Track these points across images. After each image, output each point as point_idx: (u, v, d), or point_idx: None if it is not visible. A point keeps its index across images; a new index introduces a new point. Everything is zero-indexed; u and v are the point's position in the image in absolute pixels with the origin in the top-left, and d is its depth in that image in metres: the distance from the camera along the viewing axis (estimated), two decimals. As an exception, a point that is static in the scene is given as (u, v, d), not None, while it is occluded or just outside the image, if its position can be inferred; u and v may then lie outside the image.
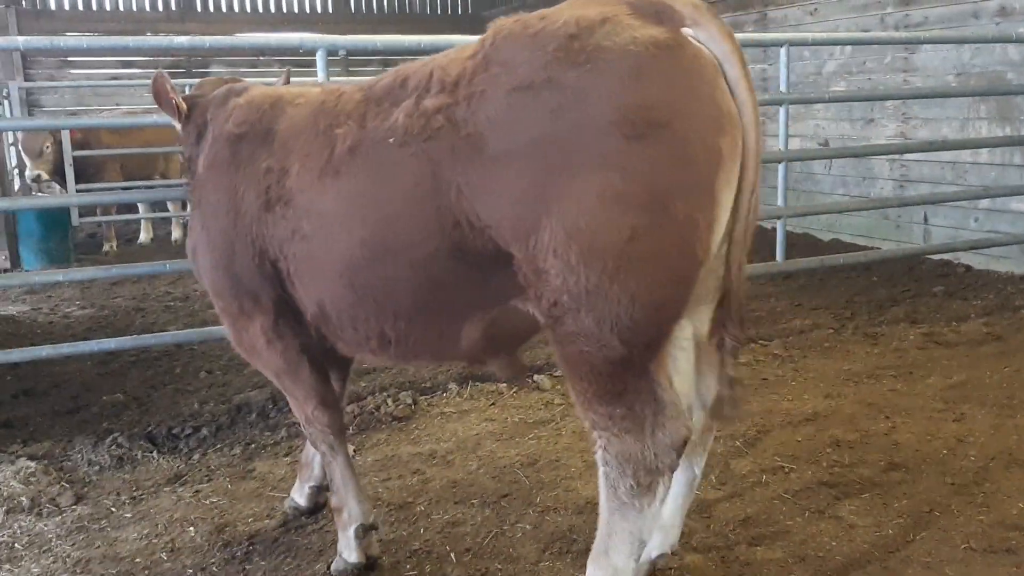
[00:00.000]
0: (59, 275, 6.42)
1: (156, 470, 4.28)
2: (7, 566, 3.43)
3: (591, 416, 2.48)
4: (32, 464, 4.21)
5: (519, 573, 3.19)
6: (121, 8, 15.49)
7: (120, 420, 4.90)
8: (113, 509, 3.89)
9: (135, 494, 4.03)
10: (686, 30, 2.33)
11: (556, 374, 5.22)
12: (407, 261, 2.61)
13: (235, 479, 4.14)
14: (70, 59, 14.95)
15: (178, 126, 3.36)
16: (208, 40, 4.93)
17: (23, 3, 14.86)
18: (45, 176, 10.17)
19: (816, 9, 9.33)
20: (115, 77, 14.86)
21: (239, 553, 3.46)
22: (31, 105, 14.28)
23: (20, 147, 10.36)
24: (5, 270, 9.21)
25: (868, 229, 8.73)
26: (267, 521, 3.71)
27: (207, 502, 3.91)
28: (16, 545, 3.59)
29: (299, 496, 3.73)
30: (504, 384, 5.07)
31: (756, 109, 2.37)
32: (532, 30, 2.39)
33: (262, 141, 3.02)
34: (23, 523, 3.76)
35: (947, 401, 4.62)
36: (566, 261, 2.30)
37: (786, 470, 3.87)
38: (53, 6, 15.18)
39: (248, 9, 16.26)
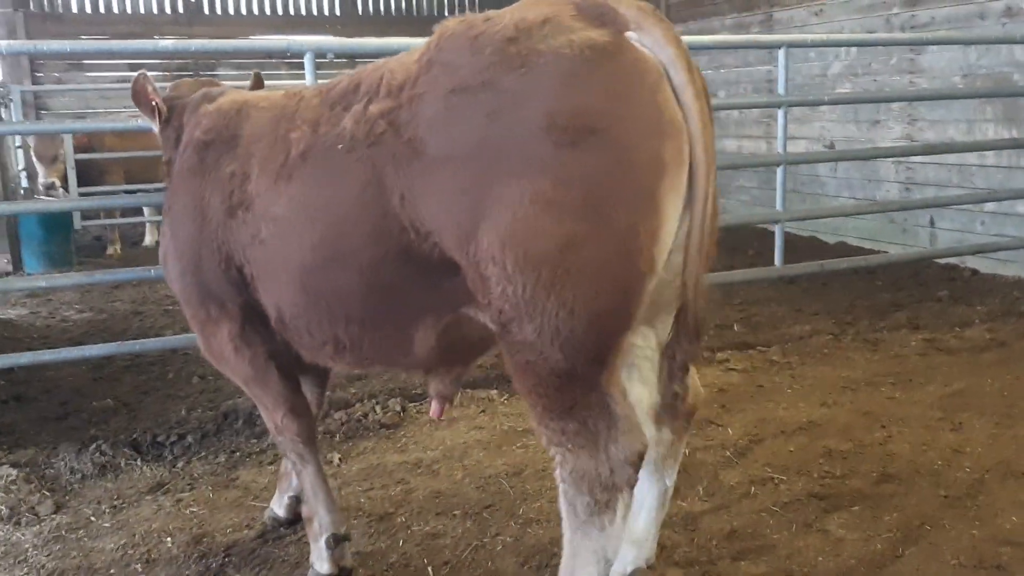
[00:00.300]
0: (59, 279, 6.42)
1: (139, 478, 4.23)
2: (-20, 577, 3.40)
3: (545, 431, 2.40)
4: (14, 472, 4.16)
5: (496, 588, 3.13)
6: (129, 11, 15.49)
7: (107, 427, 4.85)
8: (92, 518, 3.84)
9: (116, 503, 3.98)
10: (630, 34, 2.26)
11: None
12: (356, 267, 2.57)
13: (218, 488, 4.09)
14: (78, 62, 14.97)
15: (156, 128, 3.31)
16: (193, 44, 4.88)
17: (31, 6, 14.90)
18: (59, 183, 10.16)
19: (821, 10, 9.22)
20: (123, 80, 14.85)
21: (214, 565, 3.41)
22: (39, 108, 14.32)
23: (32, 153, 10.36)
24: (7, 273, 9.20)
25: (874, 233, 8.62)
26: (246, 531, 3.65)
27: (187, 512, 3.86)
28: (-8, 555, 3.55)
29: (278, 507, 3.68)
30: (495, 391, 5.00)
31: (705, 115, 2.27)
32: (474, 32, 2.34)
33: (227, 147, 2.99)
34: (0, 532, 3.72)
35: (946, 410, 4.52)
36: (503, 269, 2.24)
37: (776, 481, 3.79)
38: (61, 9, 15.19)
39: (256, 12, 16.26)
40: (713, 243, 2.52)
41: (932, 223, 8.13)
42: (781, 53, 5.77)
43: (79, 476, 4.24)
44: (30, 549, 3.59)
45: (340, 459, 4.31)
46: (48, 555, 3.54)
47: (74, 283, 7.00)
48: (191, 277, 3.08)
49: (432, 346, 2.66)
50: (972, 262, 7.61)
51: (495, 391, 5.00)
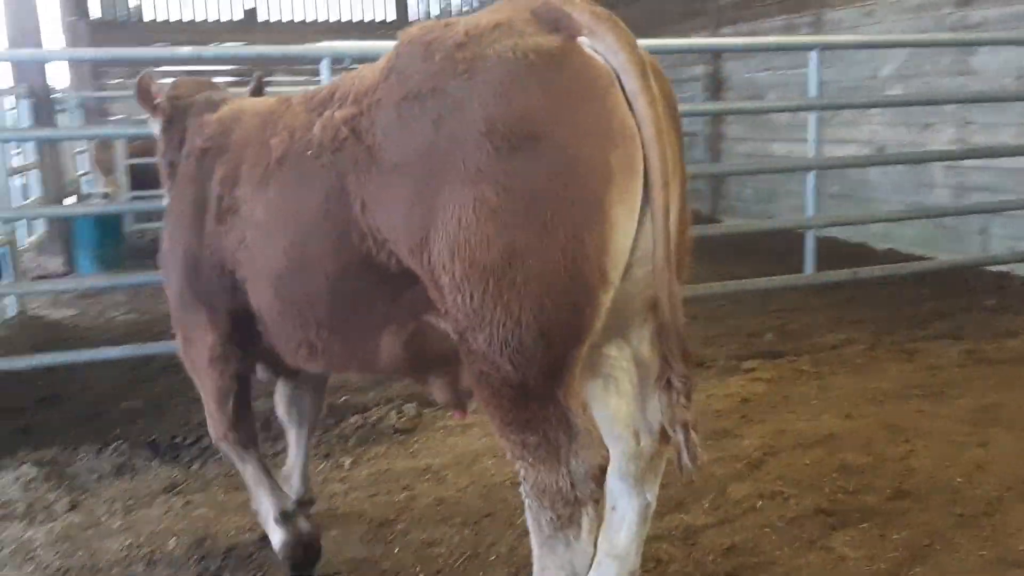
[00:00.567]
0: (104, 280, 6.58)
1: (154, 479, 4.30)
2: (-13, 573, 3.48)
3: (506, 444, 2.35)
4: (34, 470, 4.27)
5: (484, 598, 3.10)
6: (189, 18, 15.88)
7: (133, 427, 4.94)
8: (104, 518, 3.91)
9: (129, 503, 4.05)
10: (582, 39, 2.22)
11: (568, 388, 5.09)
12: (322, 273, 2.59)
13: (229, 490, 4.13)
14: (137, 68, 15.35)
15: (157, 129, 3.35)
16: (212, 50, 4.96)
17: (94, 15, 15.36)
18: (113, 192, 10.42)
19: (873, 11, 8.99)
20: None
21: (212, 567, 3.44)
22: (102, 114, 14.74)
23: (94, 161, 10.65)
24: (62, 274, 9.48)
25: (924, 239, 8.36)
26: (248, 535, 3.68)
27: (195, 513, 3.91)
28: (2, 551, 3.63)
29: (279, 511, 3.70)
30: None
31: (659, 122, 2.18)
32: (428, 38, 2.32)
33: (220, 153, 3.05)
34: (14, 530, 3.80)
35: (975, 424, 4.35)
36: (453, 278, 2.21)
37: (785, 496, 3.68)
38: (123, 17, 15.63)
39: (310, 19, 16.51)
40: (683, 253, 2.47)
41: (984, 230, 7.85)
42: (814, 55, 5.63)
43: (96, 476, 4.32)
44: (40, 547, 3.66)
45: (351, 464, 4.33)
46: (56, 553, 3.60)
47: (112, 284, 7.17)
48: (187, 282, 3.12)
49: (400, 353, 2.65)
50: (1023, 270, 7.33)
51: (512, 398, 4.95)
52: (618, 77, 2.19)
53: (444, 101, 2.21)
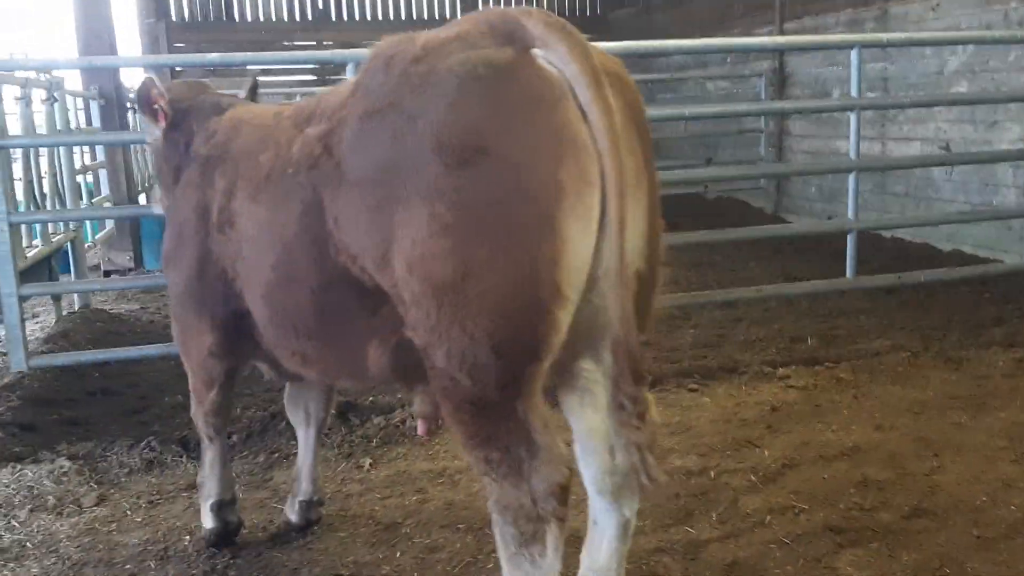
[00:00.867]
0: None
1: (182, 475, 4.41)
2: (12, 564, 3.61)
3: (471, 460, 2.37)
4: (68, 464, 4.42)
5: (474, 607, 3.10)
6: (261, 19, 16.21)
7: (171, 423, 5.07)
8: (128, 512, 4.03)
9: (153, 498, 4.16)
10: (536, 51, 2.20)
11: (595, 393, 5.05)
12: (306, 287, 2.66)
13: (250, 488, 4.21)
14: (213, 70, 15.76)
15: (158, 132, 3.44)
16: (239, 56, 5.05)
17: (173, 17, 15.80)
18: None
19: (938, 5, 8.67)
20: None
21: (219, 566, 3.51)
22: (177, 113, 15.14)
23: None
24: (130, 270, 9.80)
25: (991, 240, 8.04)
26: (260, 534, 3.75)
27: (214, 510, 3.99)
28: (28, 544, 3.76)
29: (290, 511, 3.76)
30: (538, 401, 4.94)
31: (615, 134, 2.15)
32: (391, 52, 2.35)
33: (221, 162, 3.12)
34: (42, 522, 3.95)
35: (1012, 439, 4.18)
36: (411, 294, 2.24)
37: (796, 511, 3.59)
38: (199, 19, 16.04)
39: (380, 17, 16.69)
40: (656, 263, 2.44)
41: (1052, 232, 7.52)
42: (854, 54, 5.45)
43: (127, 470, 4.45)
44: (64, 540, 3.79)
45: (371, 464, 4.37)
46: (77, 547, 3.72)
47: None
48: (190, 283, 3.22)
49: (387, 365, 2.66)
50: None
51: (538, 401, 4.94)
52: (571, 88, 2.17)
53: (400, 117, 2.24)
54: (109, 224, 10.14)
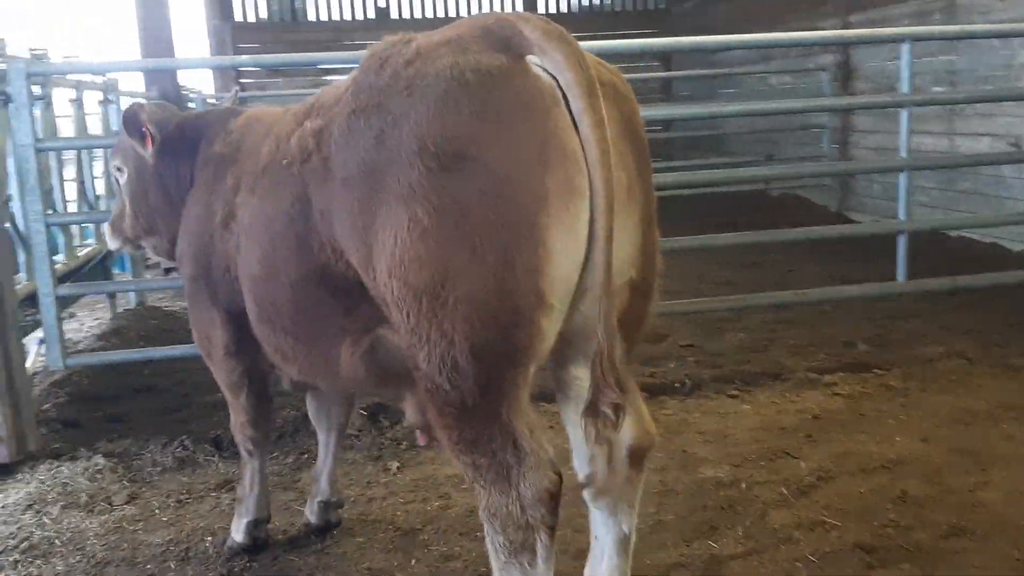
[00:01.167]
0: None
1: (212, 474, 4.43)
2: (39, 561, 3.66)
3: (460, 467, 2.34)
4: (103, 461, 4.48)
5: (484, 619, 3.03)
6: (323, 18, 16.37)
7: (207, 422, 5.11)
8: (156, 511, 4.06)
9: (182, 498, 4.19)
10: (531, 57, 2.17)
11: (631, 397, 4.94)
12: (287, 280, 2.67)
13: (277, 489, 4.20)
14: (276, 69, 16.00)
15: (147, 153, 3.46)
16: (268, 58, 5.06)
17: (237, 18, 16.05)
18: None
19: (1009, -6, 8.29)
20: (316, 84, 15.73)
21: (236, 569, 3.51)
22: (240, 113, 15.40)
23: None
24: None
25: (1064, 241, 7.67)
26: (279, 537, 3.74)
27: (239, 511, 4.00)
28: (56, 541, 3.81)
29: (309, 512, 3.75)
30: (571, 406, 4.85)
31: (605, 144, 2.10)
32: (387, 53, 2.33)
33: (230, 160, 3.17)
34: (73, 519, 4.00)
35: (1067, 454, 3.95)
36: (392, 296, 2.23)
37: (827, 527, 3.43)
38: (263, 19, 16.26)
39: (441, 15, 16.71)
40: (652, 276, 2.41)
41: None
42: (904, 48, 5.22)
43: (159, 469, 4.50)
44: (91, 538, 3.83)
45: (398, 467, 4.33)
46: (103, 545, 3.76)
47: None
48: (201, 282, 3.25)
49: (359, 367, 2.66)
50: None
51: (571, 406, 4.84)
52: (564, 96, 2.14)
53: (386, 118, 2.23)
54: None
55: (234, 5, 15.90)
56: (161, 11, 9.94)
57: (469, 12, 16.72)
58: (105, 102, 7.33)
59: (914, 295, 6.43)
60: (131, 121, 3.37)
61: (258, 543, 3.60)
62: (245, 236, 2.89)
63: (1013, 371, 5.10)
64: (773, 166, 11.51)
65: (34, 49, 5.93)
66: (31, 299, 4.88)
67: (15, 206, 4.70)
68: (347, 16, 16.39)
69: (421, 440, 2.98)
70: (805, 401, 4.81)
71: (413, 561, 3.44)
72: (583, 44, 5.60)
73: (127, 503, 4.15)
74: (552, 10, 17.27)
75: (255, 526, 3.59)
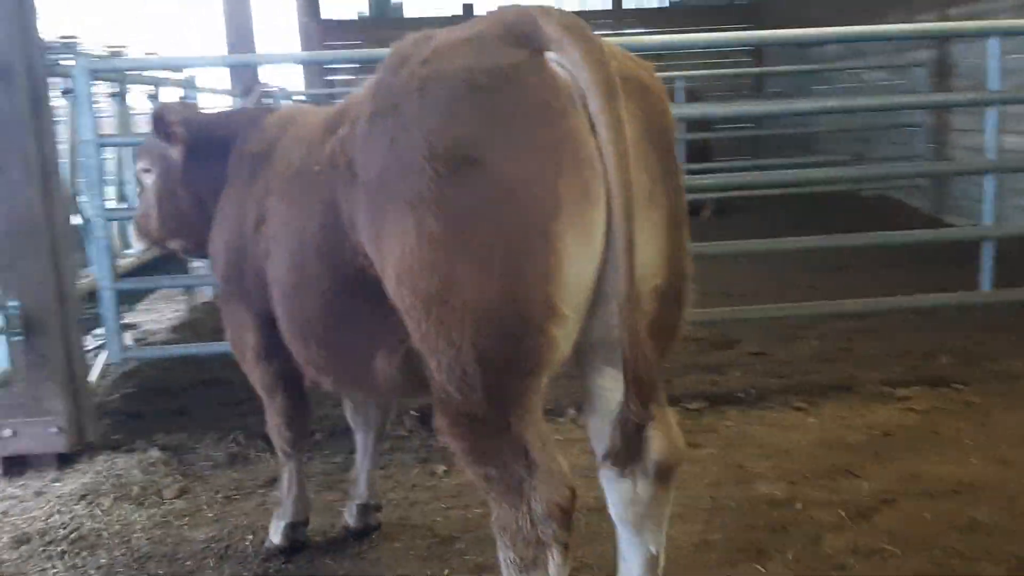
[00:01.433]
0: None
1: (262, 471, 4.43)
2: (84, 553, 3.71)
3: (472, 477, 2.28)
4: (157, 454, 4.54)
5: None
6: (410, 15, 16.48)
7: (263, 416, 5.10)
8: (203, 507, 4.08)
9: (230, 493, 4.20)
10: (549, 55, 2.06)
11: (690, 407, 4.77)
12: (318, 290, 2.62)
13: (322, 489, 4.19)
14: (363, 67, 16.16)
15: (175, 154, 3.44)
16: (346, 53, 5.01)
17: (324, 15, 16.26)
18: None
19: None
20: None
21: (271, 570, 3.49)
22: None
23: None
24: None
25: None
26: (318, 538, 3.71)
27: (281, 510, 3.98)
28: (104, 533, 3.86)
29: (348, 515, 3.71)
30: (627, 413, 4.70)
31: (625, 147, 1.99)
32: (407, 52, 2.26)
33: (264, 160, 3.12)
34: (123, 512, 4.05)
35: None
36: (403, 303, 2.18)
37: (885, 555, 3.22)
38: (351, 17, 16.45)
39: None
40: (681, 283, 2.28)
41: None
42: (993, 43, 4.90)
43: (211, 464, 4.53)
44: (138, 531, 3.87)
45: (444, 472, 4.26)
46: (148, 539, 3.79)
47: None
48: (233, 284, 3.23)
49: (396, 377, 2.60)
50: None
51: (627, 413, 4.69)
52: (582, 96, 2.04)
53: (398, 120, 2.16)
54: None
55: (322, 3, 16.14)
56: (245, 8, 10.16)
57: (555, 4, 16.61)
58: (184, 98, 7.46)
59: (1003, 307, 6.05)
60: (159, 122, 3.37)
61: (296, 545, 3.57)
62: (275, 244, 2.84)
63: (1108, 391, 4.74)
64: (862, 167, 11.06)
65: (111, 46, 6.07)
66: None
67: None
68: (434, 13, 16.44)
69: None
70: (875, 416, 4.56)
71: (447, 571, 3.36)
72: (673, 38, 5.46)
73: (177, 497, 4.18)
74: (644, 5, 17.00)
75: (293, 529, 3.56)
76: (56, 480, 4.39)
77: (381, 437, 3.80)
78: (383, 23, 16.41)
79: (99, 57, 5.53)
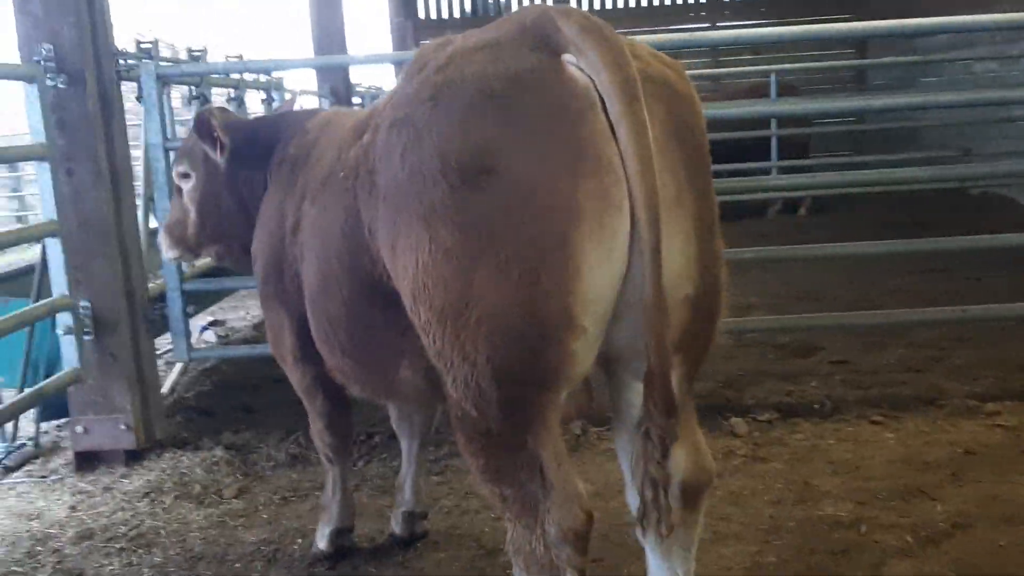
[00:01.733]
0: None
1: (319, 473, 4.40)
2: (141, 551, 3.78)
3: (488, 496, 2.25)
4: (221, 453, 4.60)
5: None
6: (504, 14, 16.47)
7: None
8: (259, 508, 4.11)
9: (287, 495, 4.23)
10: (567, 57, 1.97)
11: (759, 418, 4.57)
12: (342, 298, 2.62)
13: (377, 493, 4.17)
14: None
15: (219, 159, 3.44)
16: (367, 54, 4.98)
17: (419, 15, 16.38)
18: None
19: None
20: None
21: (318, 574, 3.48)
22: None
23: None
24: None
25: None
26: (365, 544, 3.69)
27: (334, 514, 3.98)
28: (162, 531, 3.93)
29: (394, 523, 3.68)
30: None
31: (648, 151, 1.89)
32: (428, 57, 2.21)
33: (302, 164, 3.13)
34: (182, 510, 4.12)
35: None
36: (418, 319, 2.12)
37: (952, 586, 3.00)
38: (444, 16, 16.53)
39: (633, 4, 16.35)
40: (715, 295, 2.18)
41: None
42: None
43: (272, 464, 4.57)
44: (194, 530, 3.92)
45: (499, 479, 4.18)
46: (203, 539, 3.84)
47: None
48: (272, 285, 3.22)
49: (423, 385, 2.56)
50: None
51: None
52: (601, 100, 1.95)
53: (412, 130, 2.11)
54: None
55: (418, 2, 16.26)
56: (335, 9, 10.28)
57: (651, 3, 16.31)
58: (268, 100, 7.59)
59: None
60: (202, 127, 3.38)
61: (342, 551, 3.56)
62: (307, 248, 2.84)
63: None
64: (970, 164, 10.51)
65: (192, 49, 6.20)
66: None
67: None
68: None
69: None
70: (959, 432, 4.28)
71: (487, 584, 3.29)
72: (774, 30, 5.23)
73: (235, 497, 4.24)
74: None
75: (338, 534, 3.55)
76: (124, 477, 4.50)
77: (426, 444, 3.75)
78: (478, 22, 16.40)
79: (172, 62, 5.66)
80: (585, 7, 16.34)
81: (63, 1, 4.21)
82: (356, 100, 10.39)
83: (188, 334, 4.80)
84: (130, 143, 4.73)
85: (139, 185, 5.36)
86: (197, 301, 5.02)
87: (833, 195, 11.40)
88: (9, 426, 4.94)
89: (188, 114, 5.89)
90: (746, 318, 5.53)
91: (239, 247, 3.52)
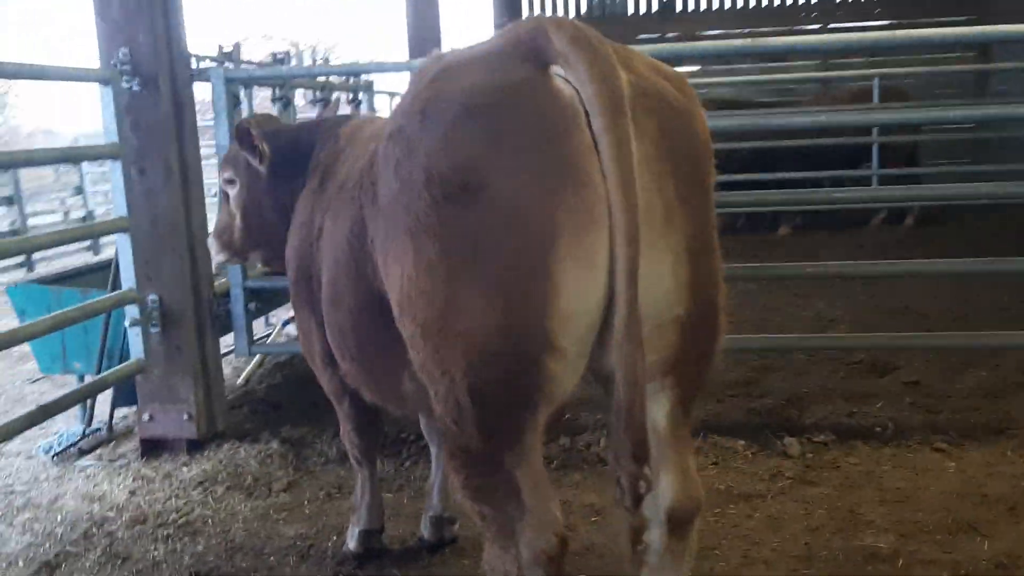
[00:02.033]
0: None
1: (368, 472, 4.52)
2: (186, 538, 3.92)
3: (470, 514, 2.27)
4: (276, 446, 4.73)
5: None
6: (604, 14, 16.36)
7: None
8: (305, 503, 4.21)
9: (332, 491, 4.31)
10: (555, 69, 1.96)
11: (815, 439, 4.42)
12: (348, 305, 2.68)
13: (417, 496, 4.21)
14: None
15: (261, 167, 3.52)
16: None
17: (524, 16, 16.42)
18: None
19: None
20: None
21: (344, 572, 3.55)
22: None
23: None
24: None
25: None
26: (396, 547, 3.73)
27: (372, 513, 4.04)
28: (210, 520, 4.07)
29: (423, 526, 3.72)
30: (742, 441, 4.42)
31: (629, 167, 1.86)
32: (424, 72, 2.24)
33: (331, 170, 3.18)
34: (231, 501, 4.25)
35: None
36: (405, 331, 2.16)
37: (982, 631, 2.83)
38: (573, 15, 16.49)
39: (726, 5, 16.05)
40: (713, 318, 2.16)
41: None
42: None
43: (323, 460, 4.66)
44: (239, 522, 4.05)
45: (540, 489, 4.17)
46: (245, 531, 3.96)
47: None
48: (302, 288, 3.28)
49: (424, 398, 2.52)
50: None
51: (742, 442, 4.42)
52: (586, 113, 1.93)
53: (403, 143, 2.15)
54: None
55: (523, 4, 16.31)
56: (432, 11, 10.42)
57: (759, 4, 15.89)
58: (355, 102, 7.73)
59: None
60: (242, 136, 3.47)
61: (371, 552, 3.61)
62: (323, 256, 2.90)
63: None
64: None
65: (276, 53, 6.39)
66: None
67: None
68: (630, 11, 16.23)
69: None
70: (1019, 465, 4.04)
71: (506, 594, 3.27)
72: (884, 34, 5.03)
73: (284, 491, 4.35)
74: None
75: (367, 536, 3.60)
76: (184, 465, 4.67)
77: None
78: (603, 23, 16.37)
79: (247, 64, 5.83)
80: (691, 9, 16.09)
81: (140, 7, 4.40)
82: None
83: (250, 330, 4.94)
84: (205, 144, 4.91)
85: (210, 185, 5.55)
86: (262, 299, 5.14)
87: (944, 206, 10.90)
88: (85, 411, 5.19)
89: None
90: (814, 335, 5.35)
91: (282, 252, 3.61)
